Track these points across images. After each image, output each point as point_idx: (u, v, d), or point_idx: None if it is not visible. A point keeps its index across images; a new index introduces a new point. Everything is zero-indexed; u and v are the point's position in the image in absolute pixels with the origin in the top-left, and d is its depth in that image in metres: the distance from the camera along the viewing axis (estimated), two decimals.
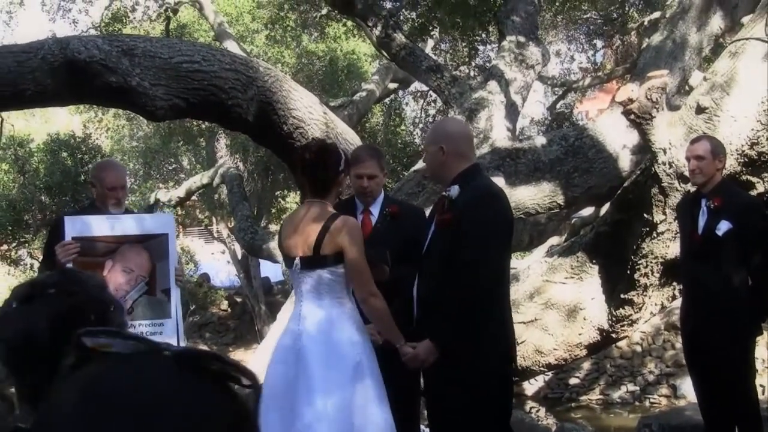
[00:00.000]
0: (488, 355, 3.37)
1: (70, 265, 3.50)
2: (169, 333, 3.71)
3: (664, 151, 4.68)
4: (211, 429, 0.70)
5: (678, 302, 5.21)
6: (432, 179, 4.21)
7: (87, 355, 0.79)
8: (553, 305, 5.71)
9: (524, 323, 5.55)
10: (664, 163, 4.72)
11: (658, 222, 4.94)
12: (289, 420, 3.26)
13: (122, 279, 3.53)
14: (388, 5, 10.33)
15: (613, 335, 5.71)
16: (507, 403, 3.59)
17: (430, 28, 11.22)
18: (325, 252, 3.35)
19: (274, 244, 9.53)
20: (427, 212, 5.42)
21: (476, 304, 3.30)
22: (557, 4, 12.50)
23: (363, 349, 3.37)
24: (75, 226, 3.62)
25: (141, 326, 3.63)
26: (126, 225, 3.81)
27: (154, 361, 0.76)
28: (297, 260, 3.43)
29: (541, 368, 6.04)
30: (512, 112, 7.00)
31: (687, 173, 4.50)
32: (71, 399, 0.71)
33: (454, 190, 3.43)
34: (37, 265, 14.13)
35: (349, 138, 5.75)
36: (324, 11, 13.23)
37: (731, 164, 4.63)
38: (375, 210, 4.11)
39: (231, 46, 11.22)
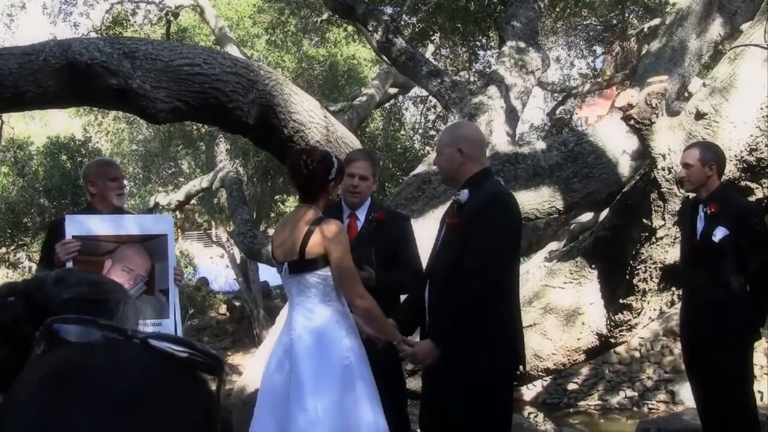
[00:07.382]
0: (493, 361, 3.36)
1: (70, 263, 3.50)
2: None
3: (664, 156, 4.69)
4: (180, 414, 0.71)
5: (677, 308, 5.21)
6: (444, 182, 4.21)
7: (58, 343, 0.79)
8: (552, 310, 5.72)
9: (523, 328, 5.55)
10: (663, 169, 4.73)
11: (657, 227, 4.95)
12: (285, 425, 3.27)
13: (122, 278, 3.54)
14: (389, 10, 10.33)
15: (612, 340, 5.72)
16: (508, 410, 3.58)
17: (431, 33, 11.24)
18: (310, 256, 3.37)
19: None
20: (428, 216, 5.42)
21: (483, 309, 3.28)
22: (557, 10, 12.52)
23: (353, 352, 3.39)
24: (75, 225, 3.64)
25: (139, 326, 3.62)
26: (126, 225, 3.83)
27: (122, 346, 0.76)
28: (285, 265, 3.46)
29: (540, 373, 6.04)
30: (512, 117, 7.00)
31: None
32: (35, 380, 0.71)
33: (464, 194, 3.41)
34: (35, 267, 14.12)
35: (349, 142, 5.75)
36: (325, 16, 13.26)
37: (730, 170, 4.64)
38: (361, 215, 4.15)
39: (232, 50, 11.23)
